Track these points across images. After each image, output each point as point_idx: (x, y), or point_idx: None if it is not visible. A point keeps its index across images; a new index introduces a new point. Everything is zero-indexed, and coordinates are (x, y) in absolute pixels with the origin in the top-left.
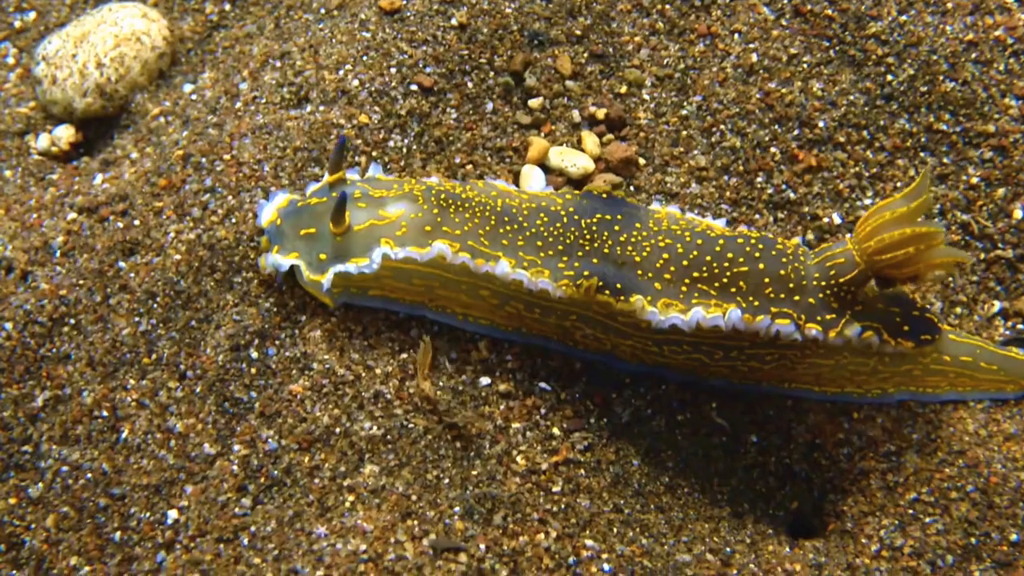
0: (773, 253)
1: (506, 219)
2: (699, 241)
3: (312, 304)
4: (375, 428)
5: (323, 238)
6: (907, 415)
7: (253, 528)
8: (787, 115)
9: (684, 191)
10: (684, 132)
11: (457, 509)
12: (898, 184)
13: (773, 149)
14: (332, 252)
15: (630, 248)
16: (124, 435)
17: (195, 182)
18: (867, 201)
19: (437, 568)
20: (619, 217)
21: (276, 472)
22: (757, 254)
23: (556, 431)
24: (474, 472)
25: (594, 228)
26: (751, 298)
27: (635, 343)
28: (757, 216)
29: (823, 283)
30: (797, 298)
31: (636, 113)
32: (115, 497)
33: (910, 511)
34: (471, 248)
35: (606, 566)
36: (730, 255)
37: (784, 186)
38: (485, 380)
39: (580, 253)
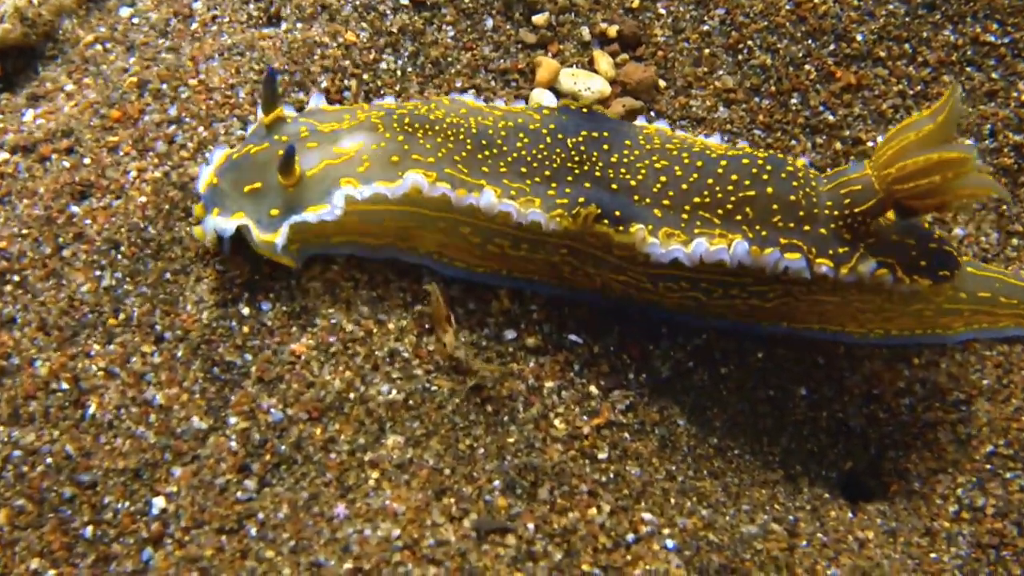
0: (783, 176)
1: (483, 142)
2: (699, 162)
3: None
4: (394, 392)
5: (272, 192)
6: (973, 358)
7: (261, 515)
8: (821, 28)
9: (711, 116)
10: (707, 50)
11: (497, 483)
12: None
13: (808, 67)
14: (284, 205)
15: (623, 170)
16: (91, 411)
17: (156, 112)
18: None
19: (484, 553)
20: (606, 135)
21: (284, 447)
22: (765, 176)
23: (593, 389)
24: (510, 440)
25: (582, 148)
26: (758, 227)
27: (629, 278)
28: (793, 142)
29: (835, 212)
30: (807, 228)
31: (652, 30)
32: (84, 485)
33: (987, 466)
34: (449, 177)
35: (669, 542)
36: (734, 177)
37: (822, 107)
38: (510, 333)
39: (570, 178)
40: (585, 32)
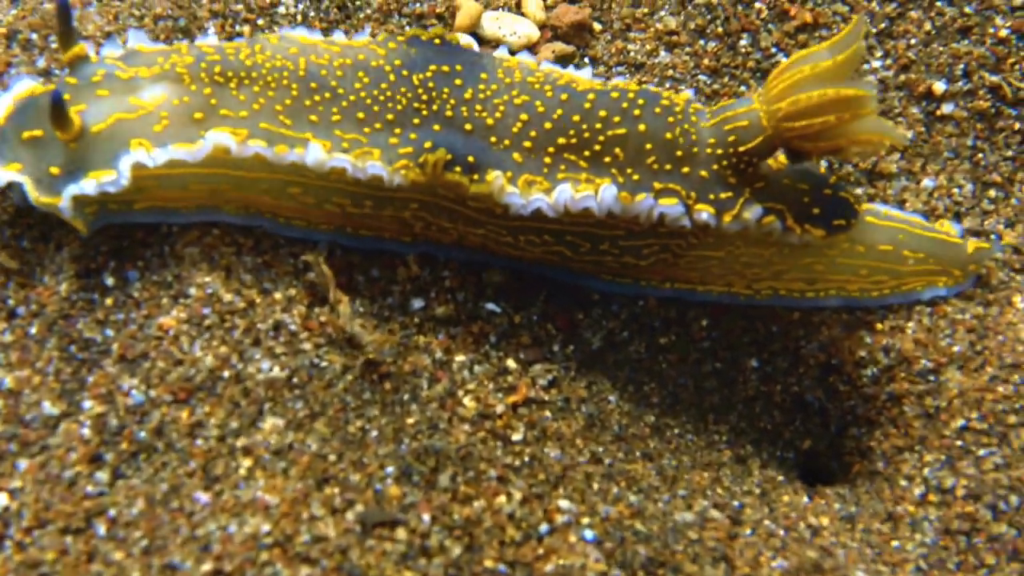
0: (657, 111)
1: (313, 85)
2: (563, 96)
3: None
4: (277, 369)
5: (53, 144)
6: (943, 322)
7: (112, 511)
8: None
9: (651, 61)
10: None
11: (390, 470)
12: (912, 42)
13: (758, 4)
14: (65, 163)
15: (479, 108)
16: None
17: (24, 64)
18: (875, 63)
19: (368, 549)
20: (459, 68)
21: (143, 434)
22: (637, 111)
23: (511, 363)
24: (410, 421)
25: (430, 85)
26: (629, 170)
27: (487, 232)
28: (743, 88)
29: (719, 151)
30: (686, 170)
31: None
32: None
33: (958, 443)
34: (266, 133)
35: (588, 533)
36: (602, 113)
37: (774, 49)
38: (418, 302)
39: (416, 121)
40: None
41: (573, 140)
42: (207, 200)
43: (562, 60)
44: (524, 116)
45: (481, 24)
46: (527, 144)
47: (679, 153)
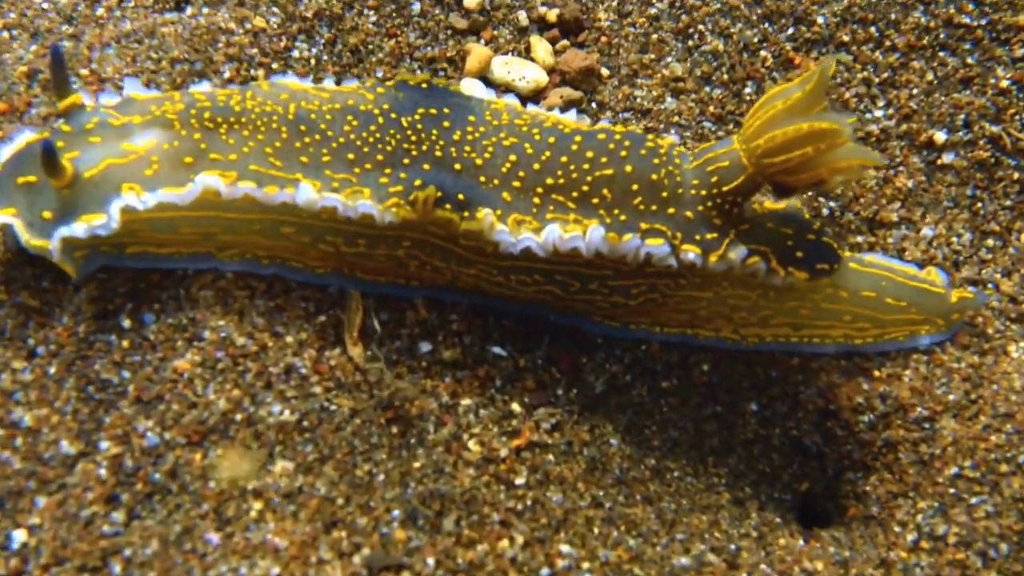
0: (643, 152)
1: (302, 128)
2: (551, 139)
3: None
4: (287, 412)
5: (46, 189)
6: (939, 371)
7: (128, 551)
8: (779, 10)
9: (657, 107)
10: (655, 35)
11: (396, 513)
12: (914, 91)
13: (764, 53)
14: (58, 208)
15: (468, 148)
16: None
17: (44, 104)
18: (878, 112)
19: None
20: (446, 111)
21: (158, 475)
22: (623, 153)
23: (516, 407)
24: (416, 464)
25: (419, 127)
26: (616, 211)
27: (479, 271)
28: None
29: (703, 192)
30: (672, 211)
31: (595, 14)
32: None
33: (951, 490)
34: (256, 174)
35: None
36: (589, 154)
37: None
38: (425, 346)
39: (406, 161)
40: (522, 17)
41: (561, 181)
42: (200, 245)
43: (570, 105)
44: (513, 157)
45: (491, 68)
46: (516, 184)
47: (664, 194)
